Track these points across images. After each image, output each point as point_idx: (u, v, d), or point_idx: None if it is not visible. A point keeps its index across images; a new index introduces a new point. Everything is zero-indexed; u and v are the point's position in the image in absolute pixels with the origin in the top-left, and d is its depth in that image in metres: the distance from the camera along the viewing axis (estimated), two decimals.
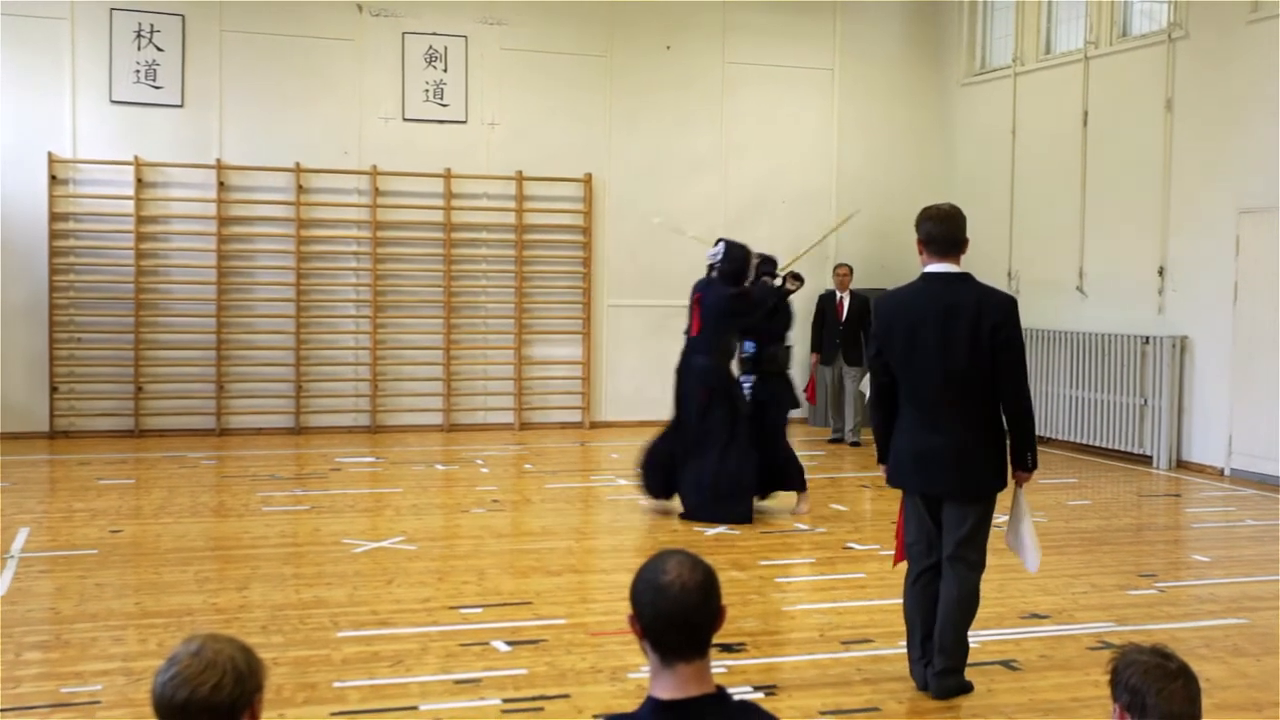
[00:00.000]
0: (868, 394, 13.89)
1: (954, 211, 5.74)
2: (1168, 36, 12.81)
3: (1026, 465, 5.60)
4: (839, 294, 14.39)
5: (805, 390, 14.48)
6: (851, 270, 14.50)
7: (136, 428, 13.73)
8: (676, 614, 2.60)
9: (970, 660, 6.09)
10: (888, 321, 5.64)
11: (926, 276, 5.68)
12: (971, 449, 5.49)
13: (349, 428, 14.40)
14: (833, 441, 14.25)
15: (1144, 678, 2.82)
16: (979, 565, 5.63)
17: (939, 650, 5.56)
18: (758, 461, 9.59)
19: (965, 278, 5.65)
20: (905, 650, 5.79)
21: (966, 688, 5.64)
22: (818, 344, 14.53)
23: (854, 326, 14.17)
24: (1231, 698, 5.67)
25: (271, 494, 10.49)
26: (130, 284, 13.67)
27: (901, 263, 16.10)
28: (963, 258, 5.78)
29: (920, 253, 5.74)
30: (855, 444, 13.98)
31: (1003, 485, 5.59)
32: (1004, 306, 5.52)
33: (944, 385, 5.46)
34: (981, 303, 5.50)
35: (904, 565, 5.85)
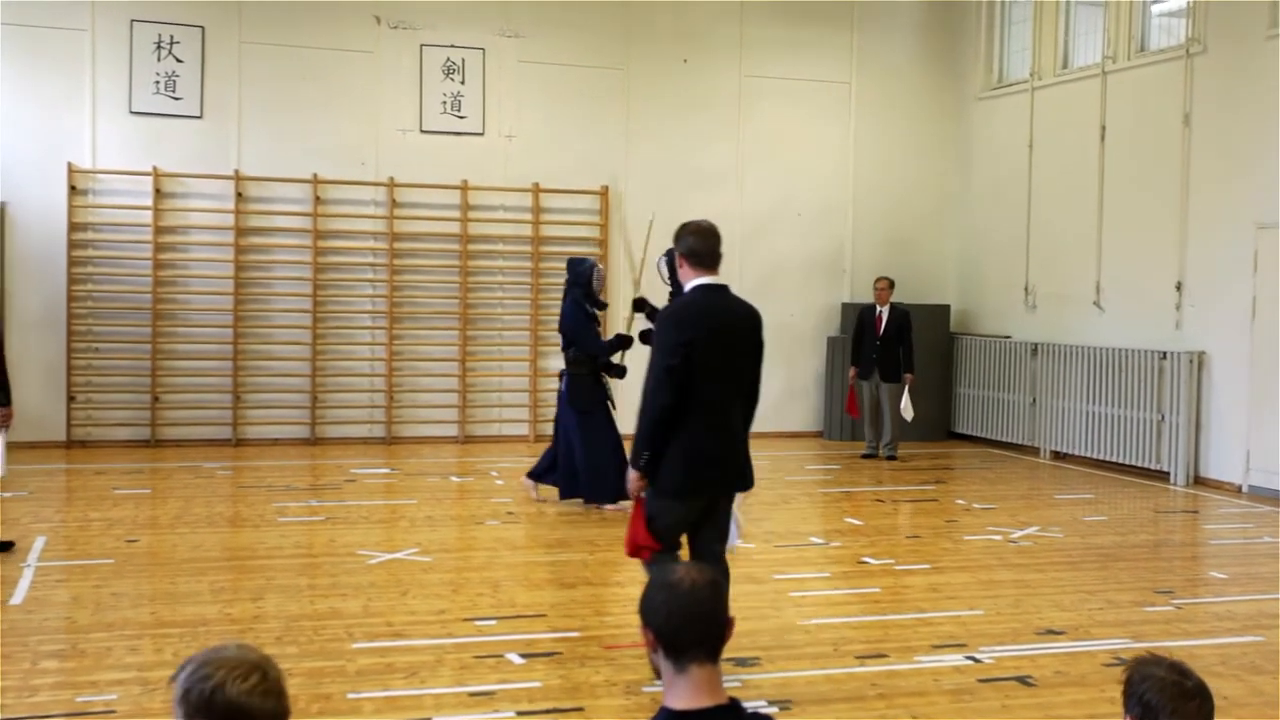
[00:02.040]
0: (909, 414, 13.89)
1: (714, 228, 5.97)
2: (1186, 51, 12.78)
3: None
4: (879, 308, 14.10)
5: (845, 405, 14.46)
6: (892, 284, 14.24)
7: (153, 437, 13.77)
8: (690, 609, 2.64)
9: (986, 676, 6.10)
10: (692, 334, 5.72)
11: (705, 288, 5.85)
12: (745, 447, 5.99)
13: (364, 439, 14.42)
14: (866, 456, 14.03)
15: (1160, 694, 2.76)
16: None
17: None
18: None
19: (728, 288, 5.96)
20: (918, 664, 5.77)
21: None
22: (856, 358, 14.26)
23: (892, 341, 13.93)
24: (1249, 715, 5.64)
25: (287, 504, 10.51)
26: (148, 294, 13.73)
27: (917, 275, 16.14)
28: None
29: (680, 266, 5.90)
30: (891, 458, 13.84)
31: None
32: (760, 316, 6.00)
33: (735, 389, 5.84)
34: (753, 313, 5.94)
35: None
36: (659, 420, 5.68)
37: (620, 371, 10.80)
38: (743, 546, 9.11)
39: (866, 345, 14.10)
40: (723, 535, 5.98)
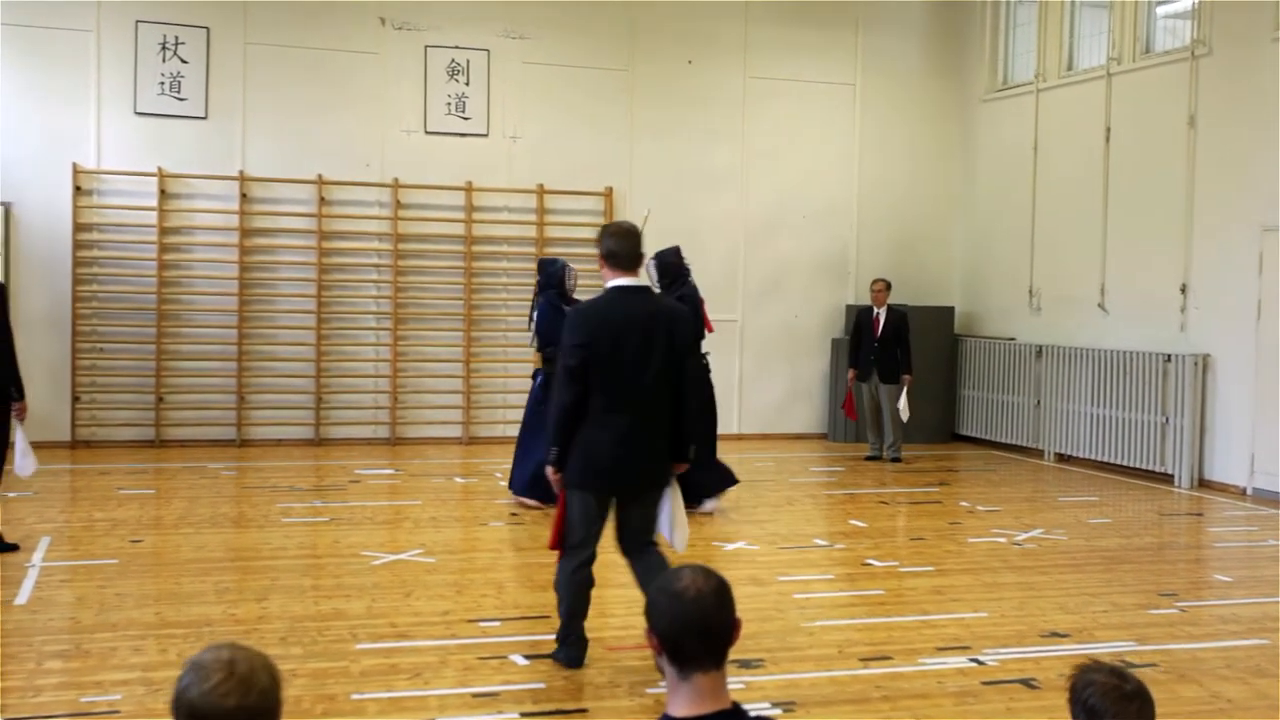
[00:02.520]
0: (906, 415, 13.88)
1: (634, 229, 6.17)
2: (1191, 53, 12.77)
3: (689, 457, 6.17)
4: (875, 310, 14.05)
5: (843, 406, 14.44)
6: (889, 285, 14.22)
7: (157, 438, 13.78)
8: (694, 618, 2.62)
9: (990, 679, 6.09)
10: (592, 334, 5.93)
11: (618, 289, 6.04)
12: (662, 445, 6.06)
13: (368, 439, 14.43)
14: (870, 459, 13.97)
15: (1102, 698, 2.83)
16: (655, 542, 6.25)
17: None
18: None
19: (648, 290, 6.23)
20: (922, 666, 5.76)
21: None
22: (854, 360, 14.22)
23: (889, 343, 13.90)
24: (1253, 719, 5.63)
25: (291, 505, 10.51)
26: (152, 294, 13.74)
27: (921, 276, 16.14)
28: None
29: (601, 267, 6.10)
30: (896, 460, 13.81)
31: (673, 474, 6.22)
32: (686, 317, 6.27)
33: (645, 388, 5.92)
34: (669, 313, 6.12)
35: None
36: (561, 417, 6.00)
37: None
38: (746, 548, 9.13)
39: (864, 347, 14.07)
40: (645, 527, 6.15)
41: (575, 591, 6.15)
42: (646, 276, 10.21)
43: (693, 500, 9.91)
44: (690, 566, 2.71)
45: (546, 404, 10.71)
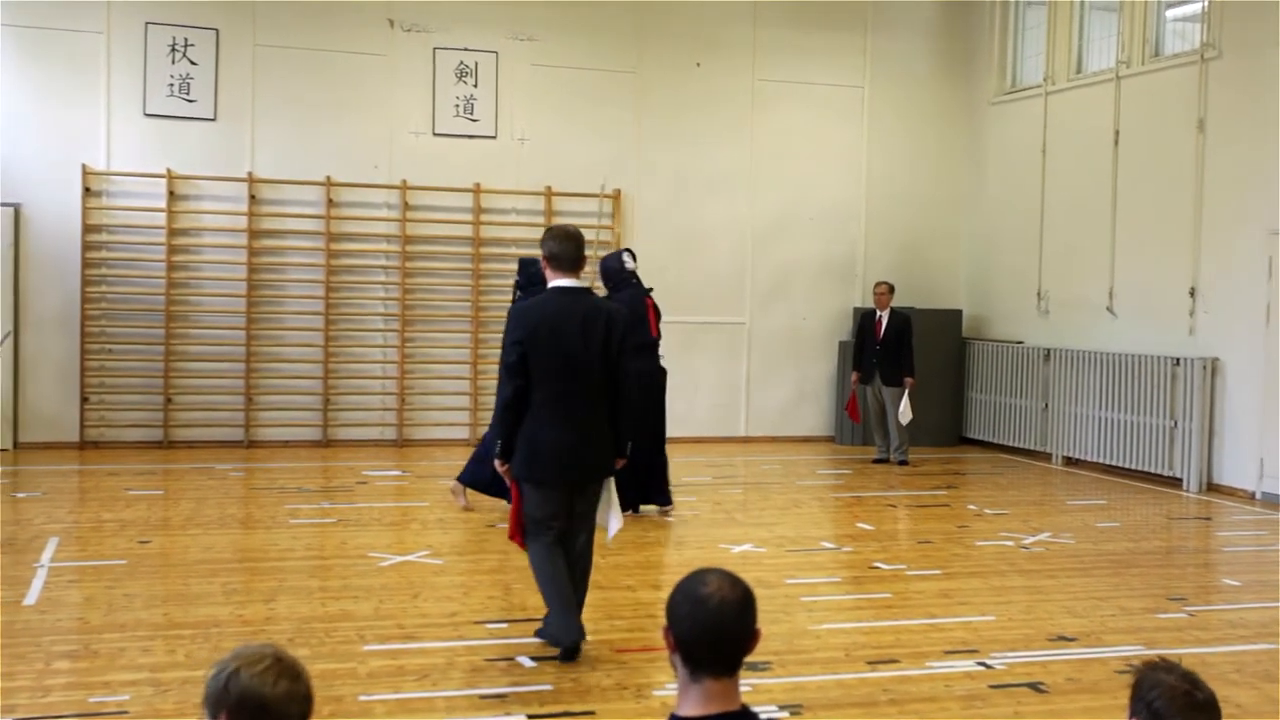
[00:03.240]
0: (906, 417, 13.75)
1: (577, 233, 6.45)
2: (1200, 57, 12.75)
3: (625, 452, 6.48)
4: (879, 312, 14.06)
5: (846, 408, 14.43)
6: (892, 288, 14.22)
7: (165, 439, 13.81)
8: (712, 627, 2.61)
9: (998, 682, 6.08)
10: (530, 331, 6.24)
11: (558, 289, 6.34)
12: (601, 439, 6.34)
13: (376, 441, 14.44)
14: (878, 461, 13.96)
15: (1169, 703, 2.69)
16: (593, 532, 6.59)
17: (580, 597, 6.50)
18: None
19: (588, 290, 6.49)
20: (930, 670, 5.75)
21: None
22: (858, 362, 14.20)
23: (892, 346, 13.88)
24: None
25: (299, 506, 10.53)
26: (161, 296, 13.77)
27: (929, 279, 16.13)
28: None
29: (545, 268, 6.40)
30: (903, 463, 13.77)
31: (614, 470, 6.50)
32: (621, 314, 6.46)
33: (581, 385, 6.22)
34: (606, 313, 6.34)
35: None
36: (503, 412, 6.37)
37: None
38: (753, 550, 9.13)
39: (867, 350, 14.06)
40: (589, 518, 6.45)
41: (553, 564, 6.35)
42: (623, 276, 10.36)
43: (635, 502, 10.17)
44: (719, 572, 2.69)
45: None
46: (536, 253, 15.10)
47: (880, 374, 13.92)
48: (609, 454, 6.41)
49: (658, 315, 10.32)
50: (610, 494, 6.56)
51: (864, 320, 14.23)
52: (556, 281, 6.35)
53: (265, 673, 2.37)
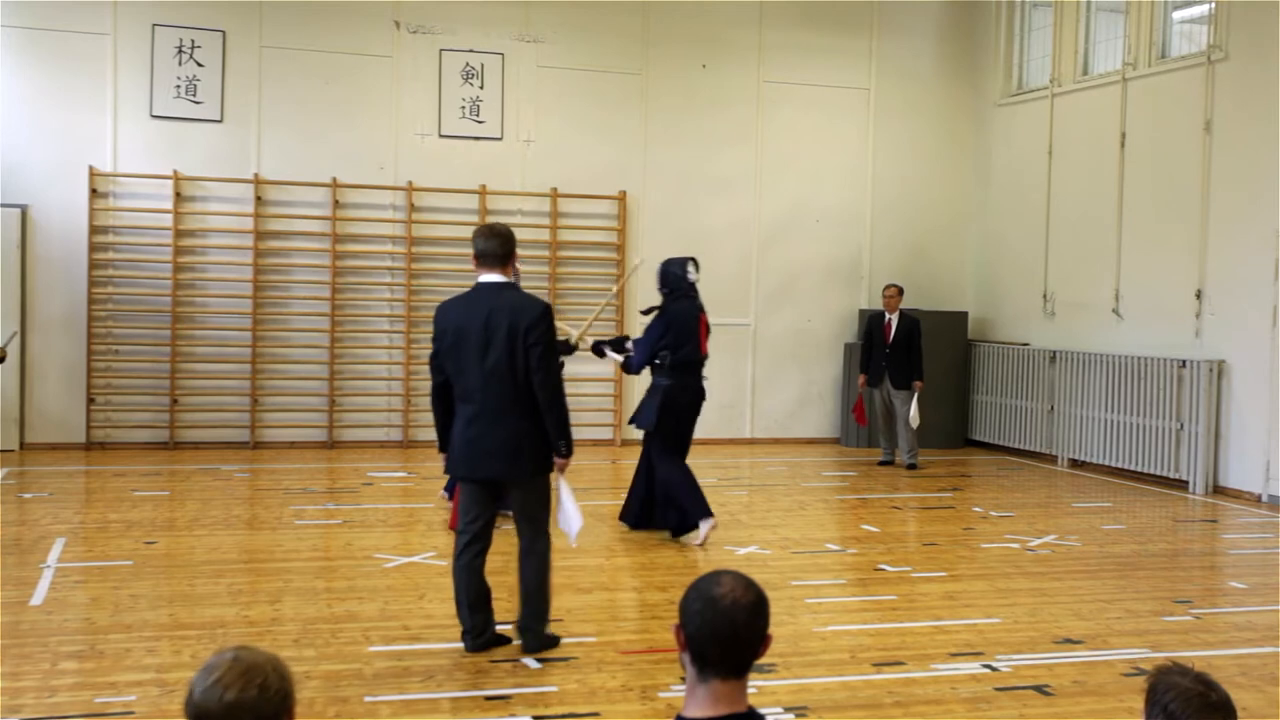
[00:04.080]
0: (915, 421, 13.55)
1: (504, 231, 6.47)
2: (1207, 58, 12.74)
3: (561, 452, 6.37)
4: (887, 315, 13.93)
5: (854, 411, 14.37)
6: (901, 291, 14.11)
7: (171, 440, 13.83)
8: (723, 628, 2.62)
9: (1004, 685, 6.07)
10: (443, 325, 6.35)
11: (480, 285, 6.40)
12: (519, 438, 6.26)
13: (381, 442, 14.45)
14: (883, 464, 13.92)
15: (1184, 705, 2.71)
16: (547, 537, 6.46)
17: (524, 606, 6.41)
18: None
19: (510, 286, 6.44)
20: (935, 672, 5.75)
21: (552, 641, 6.48)
22: (865, 365, 14.09)
23: (901, 349, 13.79)
24: None
25: (304, 508, 10.54)
26: (167, 297, 13.79)
27: (934, 281, 16.12)
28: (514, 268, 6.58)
29: (475, 266, 6.44)
30: (913, 466, 13.67)
31: (548, 469, 6.41)
32: (535, 310, 6.29)
33: (491, 381, 6.20)
34: (517, 306, 6.28)
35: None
36: (432, 404, 6.52)
37: (565, 347, 10.43)
38: (759, 552, 9.12)
39: (876, 353, 13.97)
40: (529, 519, 6.41)
41: (458, 578, 6.39)
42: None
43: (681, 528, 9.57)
44: (733, 574, 2.70)
45: None
46: (543, 255, 15.12)
47: (889, 377, 13.85)
48: (530, 453, 6.30)
49: (708, 332, 9.85)
50: (564, 496, 6.57)
51: (872, 323, 14.17)
52: (480, 277, 6.41)
53: (214, 685, 2.37)
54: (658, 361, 9.63)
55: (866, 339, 14.21)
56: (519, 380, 6.21)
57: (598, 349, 10.26)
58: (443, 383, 6.39)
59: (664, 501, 9.69)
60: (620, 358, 10.01)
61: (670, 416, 9.59)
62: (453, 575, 6.45)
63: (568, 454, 6.40)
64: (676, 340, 9.54)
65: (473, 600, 6.37)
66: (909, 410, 13.66)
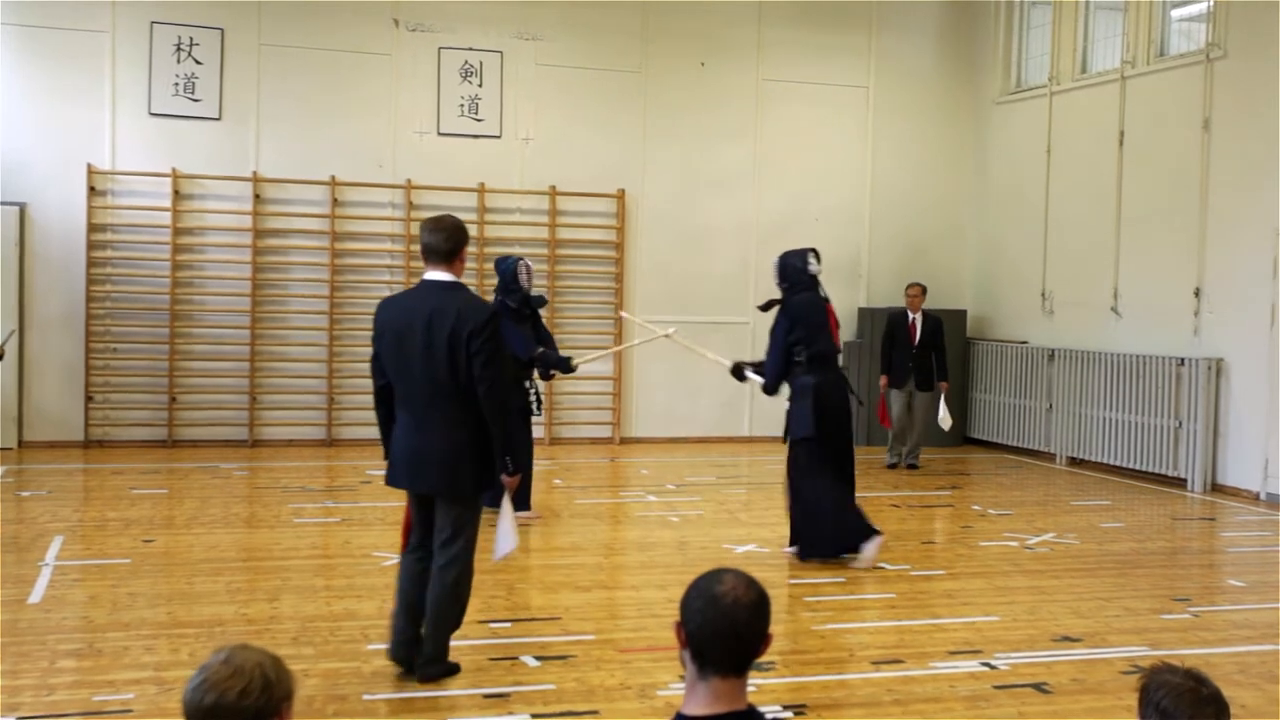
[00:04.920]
0: (947, 423, 13.13)
1: (451, 224, 5.89)
2: (1206, 57, 12.74)
3: (506, 469, 5.81)
4: (910, 315, 13.71)
5: (876, 412, 14.22)
6: (925, 290, 13.89)
7: (170, 438, 13.82)
8: (724, 626, 2.62)
9: (1002, 683, 6.07)
10: (381, 326, 5.86)
11: (424, 283, 5.87)
12: (458, 451, 5.74)
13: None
14: (891, 467, 13.61)
15: (1176, 701, 2.76)
16: (464, 561, 5.90)
17: (426, 637, 5.88)
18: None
19: (456, 285, 5.85)
20: (934, 670, 5.75)
21: (452, 669, 5.96)
22: (887, 366, 13.81)
23: (926, 349, 13.56)
24: None
25: (303, 506, 10.53)
26: (166, 295, 13.78)
27: (933, 279, 16.09)
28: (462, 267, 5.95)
29: (424, 262, 5.90)
30: (913, 466, 13.56)
31: (489, 487, 5.86)
32: (482, 314, 5.73)
33: (430, 388, 5.71)
34: (462, 310, 5.69)
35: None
36: (375, 408, 6.05)
37: (563, 364, 10.20)
38: (757, 550, 9.11)
39: (900, 353, 13.68)
40: (453, 536, 5.85)
41: (407, 585, 5.98)
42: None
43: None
44: (735, 572, 2.70)
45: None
46: (542, 253, 15.12)
47: (915, 378, 13.57)
48: (471, 468, 5.77)
49: (837, 325, 9.14)
50: (504, 511, 6.01)
51: (894, 322, 13.87)
52: (426, 274, 5.86)
53: (199, 686, 2.42)
54: (797, 359, 8.83)
55: (888, 339, 13.90)
56: (461, 389, 5.68)
57: (738, 371, 9.48)
58: (384, 385, 5.92)
59: (805, 521, 8.73)
60: (761, 379, 9.17)
61: (828, 419, 8.70)
62: (398, 583, 6.02)
63: (515, 471, 5.89)
64: (808, 333, 8.80)
65: (410, 609, 5.91)
66: (938, 413, 13.37)
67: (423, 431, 5.77)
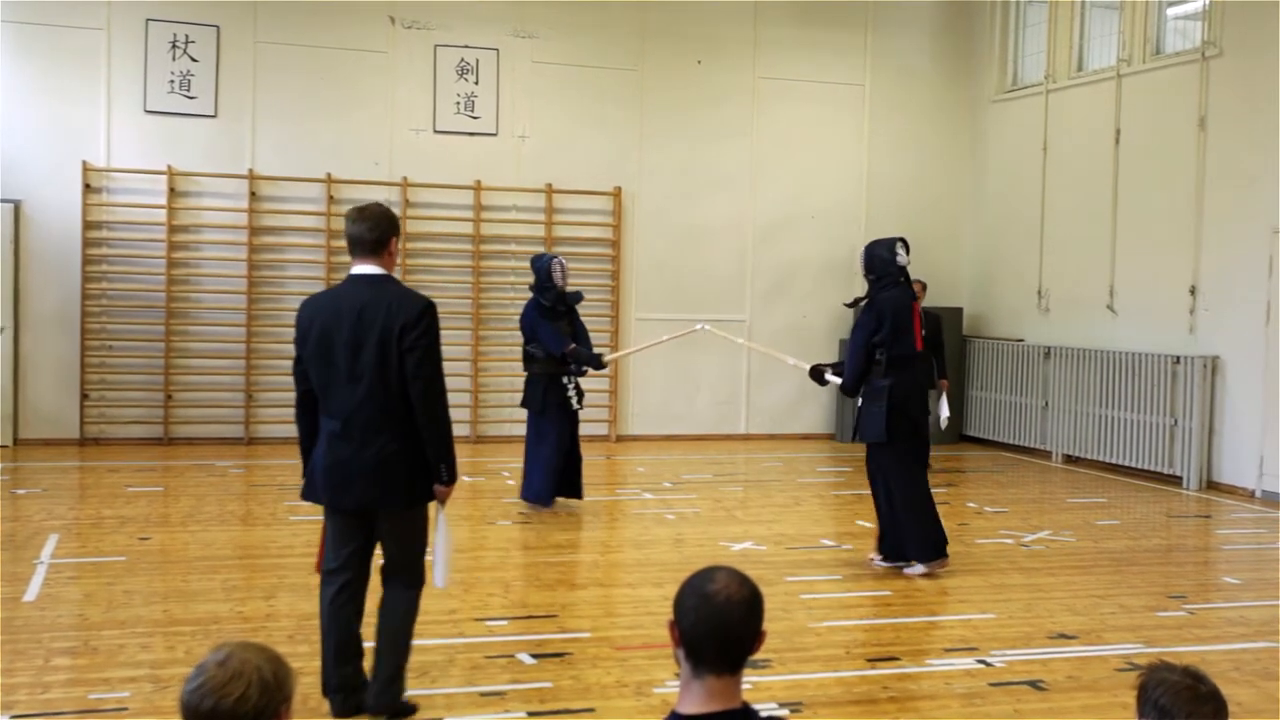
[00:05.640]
0: (945, 420, 13.06)
1: (378, 212, 5.42)
2: (1201, 55, 12.75)
3: (441, 478, 5.30)
4: None
5: None
6: (924, 286, 13.27)
7: (166, 436, 13.81)
8: (717, 624, 2.61)
9: (998, 680, 6.07)
10: (305, 325, 5.31)
11: (351, 278, 5.37)
12: (391, 460, 5.22)
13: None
14: None
15: (1174, 699, 2.77)
16: (414, 582, 5.42)
17: (378, 663, 5.34)
18: None
19: (386, 279, 5.34)
20: (930, 667, 5.76)
21: (405, 710, 5.38)
22: None
23: (926, 347, 13.45)
24: None
25: (298, 503, 10.48)
26: (161, 293, 13.77)
27: (929, 277, 16.03)
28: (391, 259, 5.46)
29: (350, 255, 5.42)
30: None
31: (427, 498, 5.36)
32: (416, 308, 5.22)
33: (357, 391, 5.18)
34: (394, 305, 5.20)
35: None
36: (296, 418, 5.47)
37: (594, 361, 10.44)
38: (754, 548, 9.11)
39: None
40: (400, 558, 5.37)
41: (328, 623, 5.40)
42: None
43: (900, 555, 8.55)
44: (727, 570, 2.69)
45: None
46: (537, 251, 15.13)
47: None
48: (406, 477, 5.25)
49: (922, 324, 8.66)
50: (440, 531, 5.46)
51: None
52: (353, 268, 5.38)
53: (197, 689, 2.41)
54: (877, 359, 8.42)
55: None
56: (394, 392, 5.17)
57: (817, 374, 9.07)
58: (306, 391, 5.35)
59: (907, 523, 8.42)
60: (839, 380, 8.81)
61: (904, 421, 8.40)
62: (321, 620, 5.45)
63: (450, 480, 5.32)
64: (894, 332, 8.39)
65: (339, 649, 5.37)
66: (938, 411, 13.26)
67: (350, 440, 5.21)
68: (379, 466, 5.21)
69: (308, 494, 5.40)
